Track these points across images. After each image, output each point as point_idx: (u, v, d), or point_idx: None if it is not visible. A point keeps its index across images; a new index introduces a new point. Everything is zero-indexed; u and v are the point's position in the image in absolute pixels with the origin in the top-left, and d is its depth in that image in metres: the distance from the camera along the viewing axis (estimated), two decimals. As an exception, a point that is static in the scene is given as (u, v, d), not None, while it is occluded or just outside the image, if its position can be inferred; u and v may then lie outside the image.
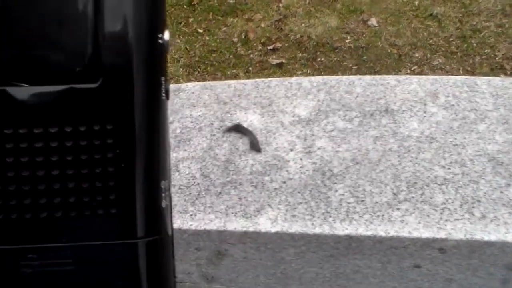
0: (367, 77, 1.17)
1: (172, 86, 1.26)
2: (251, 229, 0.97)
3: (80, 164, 0.33)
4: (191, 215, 1.01)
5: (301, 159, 1.06)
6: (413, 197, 0.98)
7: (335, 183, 1.01)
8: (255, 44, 2.72)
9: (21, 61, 0.32)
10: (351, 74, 2.49)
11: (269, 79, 1.20)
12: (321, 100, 1.15)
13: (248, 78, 2.55)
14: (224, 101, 1.18)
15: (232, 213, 1.00)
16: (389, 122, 1.09)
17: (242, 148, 1.09)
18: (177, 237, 1.02)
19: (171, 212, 0.37)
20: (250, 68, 2.63)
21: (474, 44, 2.50)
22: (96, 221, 0.34)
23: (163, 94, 0.35)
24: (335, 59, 2.58)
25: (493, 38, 2.52)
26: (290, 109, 1.14)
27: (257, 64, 2.64)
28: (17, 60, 0.32)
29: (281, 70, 2.58)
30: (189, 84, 1.24)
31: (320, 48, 2.63)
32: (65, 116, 0.32)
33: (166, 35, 0.35)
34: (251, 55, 2.67)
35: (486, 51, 2.46)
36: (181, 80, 2.63)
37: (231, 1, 2.98)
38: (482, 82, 1.14)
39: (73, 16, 0.32)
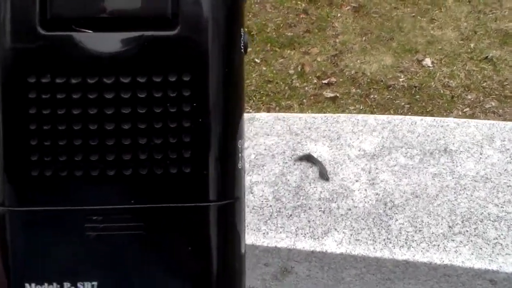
0: (428, 119, 1.27)
1: (246, 115, 1.40)
2: (318, 249, 1.08)
3: (154, 117, 0.30)
4: (263, 233, 1.12)
5: (365, 190, 1.16)
6: (467, 231, 1.07)
7: (396, 213, 1.12)
8: (310, 77, 2.79)
9: (94, 6, 0.30)
10: (403, 112, 2.55)
11: (338, 114, 1.32)
12: (385, 137, 1.26)
13: (302, 110, 2.64)
14: (295, 133, 1.30)
15: (301, 233, 1.11)
16: (447, 161, 1.19)
17: (312, 176, 1.21)
18: (248, 253, 1.14)
19: (244, 175, 0.34)
20: (304, 100, 2.68)
21: (529, 89, 2.52)
22: (167, 182, 0.31)
23: (242, 47, 0.33)
24: (388, 96, 2.63)
25: (549, 84, 2.54)
26: (356, 144, 1.26)
27: (311, 97, 2.69)
28: (90, 4, 0.30)
29: (335, 104, 2.63)
30: (262, 114, 1.37)
31: (373, 85, 2.69)
32: (139, 66, 0.30)
33: None
34: (306, 88, 2.73)
35: (541, 97, 2.49)
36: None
37: (289, 34, 3.08)
38: (537, 129, 1.23)
39: None
